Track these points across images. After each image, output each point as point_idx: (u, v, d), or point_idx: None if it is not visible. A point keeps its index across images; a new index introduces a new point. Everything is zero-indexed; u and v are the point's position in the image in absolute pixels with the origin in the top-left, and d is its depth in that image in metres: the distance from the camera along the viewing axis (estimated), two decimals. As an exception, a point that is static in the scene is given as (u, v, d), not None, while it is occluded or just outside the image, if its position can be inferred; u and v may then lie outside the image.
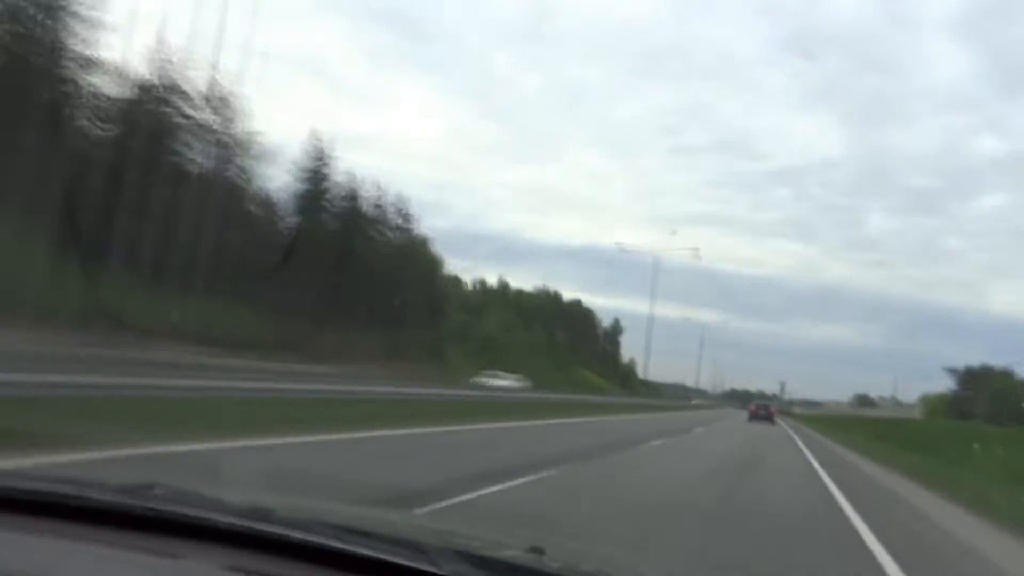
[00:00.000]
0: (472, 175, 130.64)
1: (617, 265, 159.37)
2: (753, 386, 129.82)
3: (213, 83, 27.79)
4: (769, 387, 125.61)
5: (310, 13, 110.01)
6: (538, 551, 1.47)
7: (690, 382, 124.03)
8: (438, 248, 50.21)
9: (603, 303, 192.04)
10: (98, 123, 25.23)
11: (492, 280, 72.18)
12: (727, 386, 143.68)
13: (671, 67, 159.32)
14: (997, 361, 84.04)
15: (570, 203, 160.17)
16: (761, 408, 50.65)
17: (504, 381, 43.00)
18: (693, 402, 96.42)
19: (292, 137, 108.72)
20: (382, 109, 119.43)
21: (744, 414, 53.46)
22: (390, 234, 40.96)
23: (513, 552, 1.54)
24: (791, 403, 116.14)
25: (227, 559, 1.31)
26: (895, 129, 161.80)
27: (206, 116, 27.96)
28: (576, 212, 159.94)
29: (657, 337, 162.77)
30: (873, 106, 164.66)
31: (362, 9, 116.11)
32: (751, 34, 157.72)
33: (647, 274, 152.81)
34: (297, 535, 1.34)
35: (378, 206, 40.32)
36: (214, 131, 28.07)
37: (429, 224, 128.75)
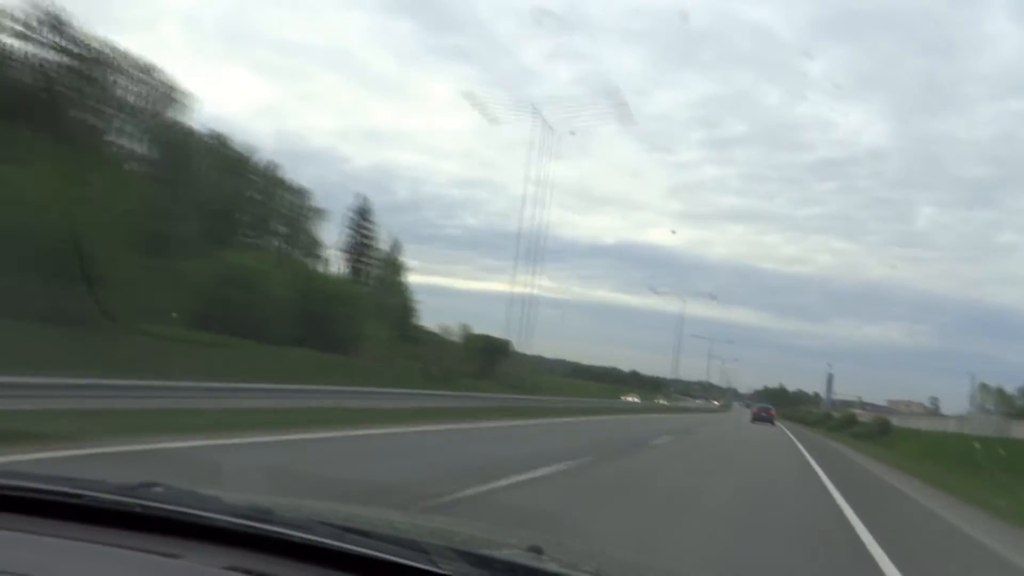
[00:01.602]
0: (502, 171, 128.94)
1: (653, 264, 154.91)
2: (793, 385, 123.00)
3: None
4: (810, 387, 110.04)
5: (334, 5, 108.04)
6: (537, 550, 1.47)
7: (731, 384, 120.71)
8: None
9: (638, 303, 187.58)
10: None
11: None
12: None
13: (707, 54, 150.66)
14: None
15: (603, 200, 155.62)
16: (762, 411, 55.61)
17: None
18: (696, 402, 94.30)
19: (314, 128, 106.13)
20: (410, 104, 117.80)
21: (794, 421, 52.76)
22: None
23: (512, 551, 1.54)
24: (846, 405, 75.69)
25: (227, 559, 1.31)
26: (948, 116, 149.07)
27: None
28: (609, 209, 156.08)
29: (690, 337, 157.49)
30: (925, 92, 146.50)
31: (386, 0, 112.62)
32: (793, 16, 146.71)
33: (685, 274, 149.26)
34: (297, 534, 1.33)
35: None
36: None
37: (460, 223, 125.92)
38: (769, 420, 52.13)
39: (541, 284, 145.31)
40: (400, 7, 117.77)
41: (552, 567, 1.39)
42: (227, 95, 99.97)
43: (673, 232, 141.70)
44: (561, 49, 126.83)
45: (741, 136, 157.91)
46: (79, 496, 1.47)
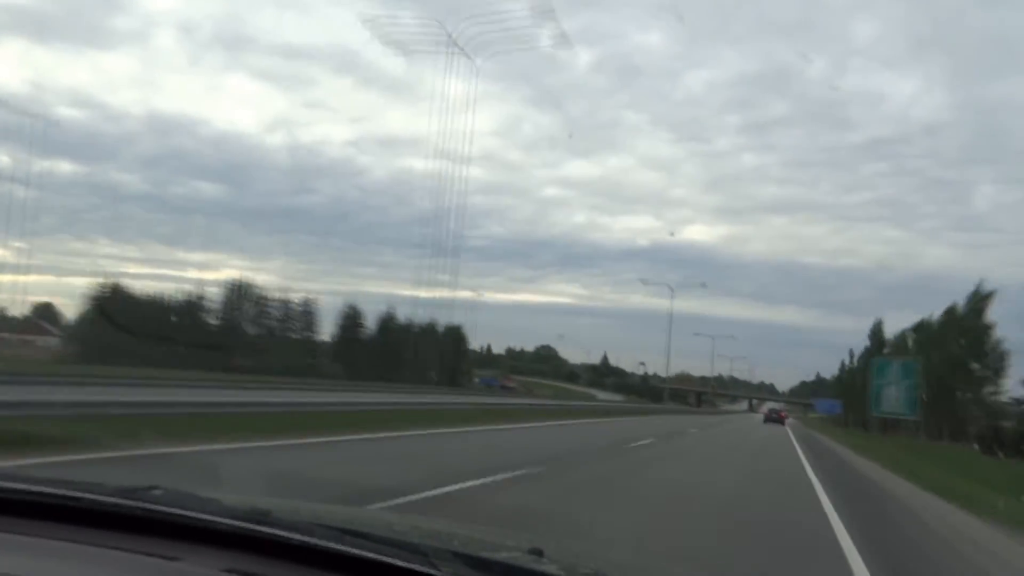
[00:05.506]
0: (526, 174, 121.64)
1: (689, 264, 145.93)
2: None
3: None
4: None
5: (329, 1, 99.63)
6: (537, 553, 1.47)
7: (779, 386, 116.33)
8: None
9: (669, 305, 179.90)
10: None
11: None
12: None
13: (741, 25, 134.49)
14: None
15: (634, 198, 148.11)
16: (773, 412, 58.46)
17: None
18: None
19: (327, 140, 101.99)
20: (423, 104, 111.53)
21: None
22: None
23: (512, 553, 1.53)
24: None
25: (226, 561, 1.31)
26: (1015, 79, 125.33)
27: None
28: (641, 208, 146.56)
29: (729, 339, 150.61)
30: (988, 51, 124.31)
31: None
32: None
33: (723, 274, 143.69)
34: (296, 537, 1.33)
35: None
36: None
37: (486, 232, 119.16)
38: (779, 421, 53.66)
39: (572, 292, 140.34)
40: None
41: (551, 569, 1.38)
42: (234, 109, 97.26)
43: (672, 234, 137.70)
44: (580, 31, 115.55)
45: (781, 117, 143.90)
46: (79, 499, 1.47)
